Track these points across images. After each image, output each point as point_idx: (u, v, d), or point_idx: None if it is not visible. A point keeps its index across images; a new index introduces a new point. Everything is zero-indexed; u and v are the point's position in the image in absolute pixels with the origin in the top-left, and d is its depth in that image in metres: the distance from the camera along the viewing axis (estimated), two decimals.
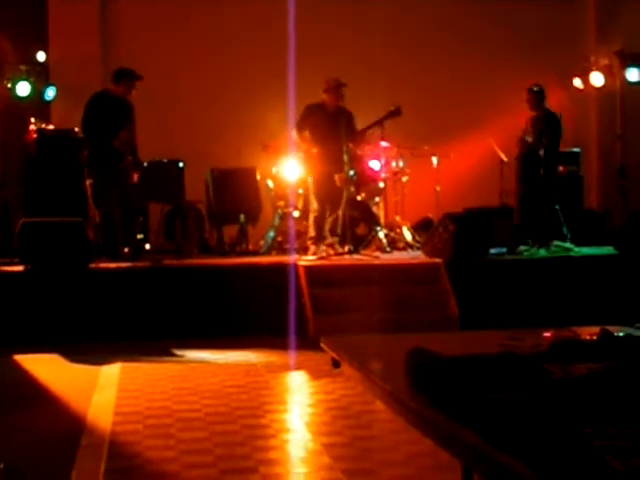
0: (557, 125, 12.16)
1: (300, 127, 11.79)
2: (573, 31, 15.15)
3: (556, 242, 11.96)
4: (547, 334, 3.67)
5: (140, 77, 11.36)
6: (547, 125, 12.06)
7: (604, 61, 14.73)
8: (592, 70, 14.71)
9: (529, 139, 12.05)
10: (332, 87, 11.77)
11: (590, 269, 11.06)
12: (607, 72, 14.68)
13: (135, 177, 11.40)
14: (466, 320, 10.00)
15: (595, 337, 3.26)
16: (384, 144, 12.31)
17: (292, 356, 9.08)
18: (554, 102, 13.60)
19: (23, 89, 13.11)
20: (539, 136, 12.01)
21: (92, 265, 10.56)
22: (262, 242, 12.59)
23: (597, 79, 14.69)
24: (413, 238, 12.51)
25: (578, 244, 12.05)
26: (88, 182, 11.29)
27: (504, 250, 11.65)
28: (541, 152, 11.91)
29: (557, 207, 12.10)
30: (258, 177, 12.97)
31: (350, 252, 11.50)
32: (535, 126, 12.09)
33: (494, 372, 2.66)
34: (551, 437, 2.15)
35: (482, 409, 2.40)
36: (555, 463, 2.01)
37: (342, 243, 11.64)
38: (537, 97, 12.15)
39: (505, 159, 12.54)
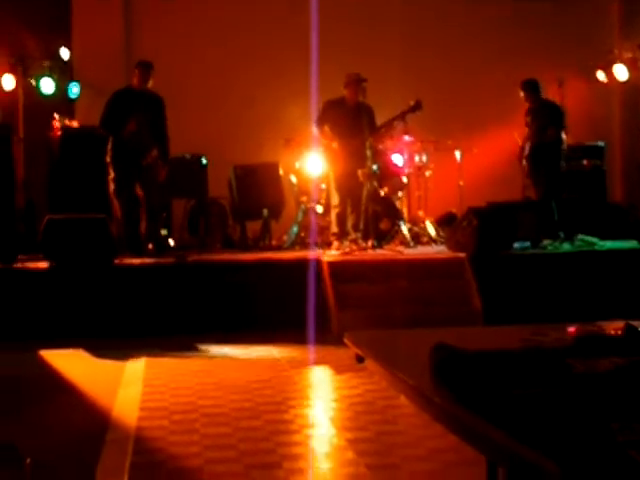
0: (561, 115, 12.09)
1: (320, 122, 11.80)
2: (597, 24, 15.07)
3: (580, 236, 11.92)
4: (571, 329, 3.66)
5: (149, 65, 11.36)
6: (550, 117, 12.00)
7: (628, 54, 14.64)
8: (616, 63, 14.63)
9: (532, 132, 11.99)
10: (352, 82, 11.78)
11: (614, 263, 11.02)
12: (631, 65, 14.59)
13: (162, 173, 11.42)
14: (490, 315, 9.98)
15: (620, 332, 3.25)
16: (407, 138, 12.30)
17: (315, 351, 9.08)
18: (577, 95, 13.58)
19: (47, 86, 13.17)
20: (542, 128, 11.95)
21: (116, 261, 10.61)
22: (285, 237, 12.60)
23: (621, 72, 14.61)
24: (437, 233, 12.49)
25: (602, 238, 12.00)
26: (110, 177, 11.34)
27: (528, 244, 11.61)
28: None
29: (553, 204, 12.00)
30: (281, 172, 12.98)
31: (373, 247, 11.50)
32: (535, 118, 12.02)
33: (518, 367, 2.65)
34: (576, 432, 2.14)
35: (506, 404, 2.40)
36: (580, 458, 2.01)
37: (365, 238, 11.64)
38: (530, 89, 12.07)
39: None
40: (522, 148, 12.19)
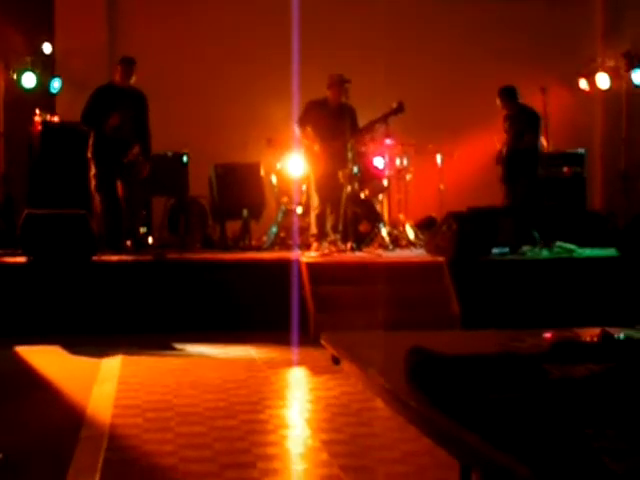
0: (537, 121, 12.14)
1: (302, 123, 11.80)
2: (580, 32, 15.12)
3: (559, 243, 11.96)
4: (548, 335, 3.67)
5: (132, 61, 11.34)
6: (527, 123, 12.05)
7: (610, 62, 14.69)
8: (598, 71, 14.68)
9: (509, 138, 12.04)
10: (335, 83, 11.78)
11: (592, 270, 11.05)
12: (613, 74, 14.65)
13: (144, 171, 11.39)
14: (467, 319, 10.00)
15: (596, 338, 3.26)
16: (388, 142, 12.29)
17: (293, 352, 9.08)
18: (559, 103, 13.63)
19: (29, 80, 13.11)
20: (519, 135, 12.00)
21: (95, 258, 10.57)
22: (265, 238, 12.59)
23: (603, 81, 14.66)
24: (416, 236, 12.49)
25: (581, 245, 12.04)
26: (91, 173, 11.31)
27: (506, 250, 11.64)
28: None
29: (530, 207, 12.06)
30: (262, 172, 12.96)
31: (352, 249, 11.51)
32: (512, 124, 12.07)
33: (494, 372, 2.66)
34: (550, 437, 2.15)
35: (481, 408, 2.40)
36: (554, 463, 2.01)
37: (344, 240, 11.64)
38: (507, 96, 12.11)
39: None
40: (500, 153, 12.23)
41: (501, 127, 12.25)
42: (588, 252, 11.81)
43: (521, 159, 12.04)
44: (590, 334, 3.50)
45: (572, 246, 11.97)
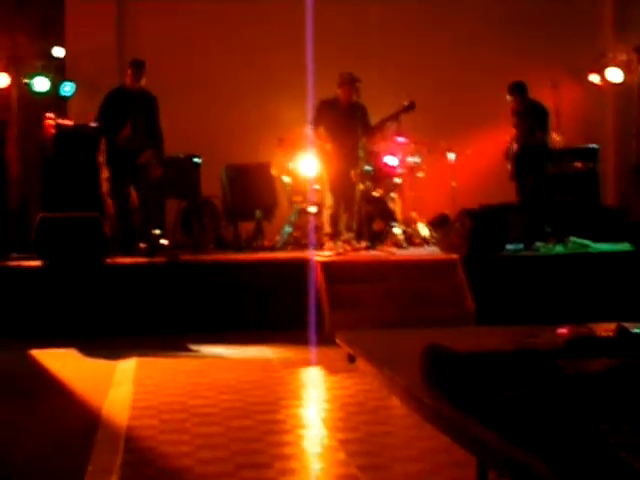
0: (545, 117, 12.11)
1: (315, 123, 11.80)
2: (591, 26, 15.07)
3: (573, 238, 11.93)
4: (563, 330, 3.66)
5: (142, 63, 11.35)
6: (537, 119, 12.02)
7: (622, 57, 14.64)
8: (610, 66, 14.63)
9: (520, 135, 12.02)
10: (346, 82, 11.77)
11: (607, 265, 11.03)
12: (625, 68, 14.60)
13: (157, 172, 11.41)
14: (482, 316, 9.98)
15: (611, 333, 3.25)
16: (400, 140, 12.29)
17: (308, 351, 9.08)
18: (571, 98, 13.59)
19: (40, 85, 13.16)
20: (530, 131, 11.98)
21: (108, 260, 10.59)
22: (278, 238, 12.59)
23: (615, 75, 14.61)
24: (429, 234, 12.49)
25: (595, 240, 12.01)
26: (104, 176, 11.33)
27: (521, 246, 11.62)
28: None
29: (539, 204, 12.04)
30: (274, 172, 12.96)
31: (367, 248, 11.51)
32: (522, 120, 12.05)
33: (509, 368, 2.65)
34: (567, 433, 2.14)
35: (497, 405, 2.40)
36: (571, 459, 2.01)
37: (358, 239, 11.65)
38: (517, 92, 12.09)
39: None
40: (509, 149, 12.20)
41: (511, 123, 12.23)
42: (602, 247, 11.78)
43: (531, 155, 12.02)
44: (605, 329, 3.49)
45: (586, 241, 11.94)
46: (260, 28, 14.10)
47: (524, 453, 2.11)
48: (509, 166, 12.24)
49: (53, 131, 12.50)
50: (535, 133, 11.97)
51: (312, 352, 9.05)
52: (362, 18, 14.33)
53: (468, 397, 2.55)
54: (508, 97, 12.13)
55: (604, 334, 3.36)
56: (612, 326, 3.40)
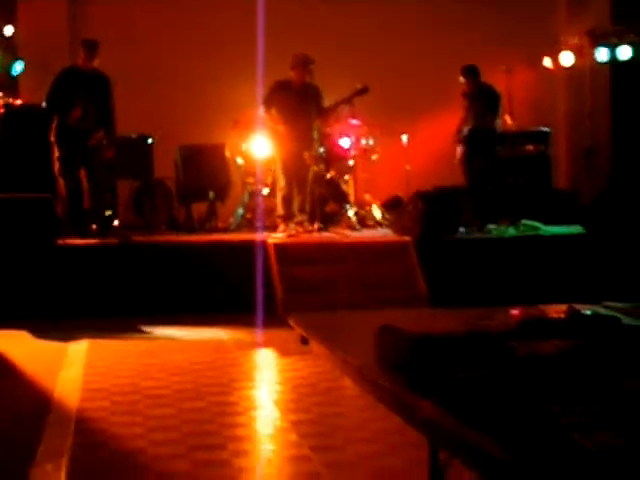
0: (497, 100, 12.18)
1: (267, 104, 11.75)
2: (544, 10, 15.14)
3: (524, 221, 12.02)
4: (515, 312, 3.68)
5: (94, 43, 11.23)
6: (488, 103, 12.09)
7: (574, 40, 14.75)
8: (562, 50, 14.73)
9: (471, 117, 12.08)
10: (299, 63, 11.72)
11: (558, 248, 11.12)
12: (577, 52, 14.70)
13: (108, 153, 11.32)
14: (435, 299, 10.03)
15: (563, 315, 3.27)
16: (354, 122, 12.30)
17: (260, 333, 9.08)
18: (524, 81, 13.66)
19: None
20: (480, 114, 12.04)
21: (60, 241, 10.50)
22: (231, 219, 12.56)
23: (567, 59, 14.71)
24: (382, 216, 12.52)
25: (546, 223, 12.10)
26: (55, 156, 11.22)
27: (472, 229, 11.69)
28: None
29: (489, 187, 12.12)
30: (227, 154, 12.91)
31: (319, 230, 11.52)
32: (473, 103, 12.11)
33: (462, 350, 2.66)
34: (519, 414, 2.15)
35: (450, 387, 2.40)
36: (523, 440, 2.01)
37: (311, 221, 11.65)
38: (470, 74, 12.16)
39: None
40: (458, 132, 12.25)
41: (461, 106, 12.29)
42: (554, 230, 11.87)
43: (481, 138, 12.09)
44: (557, 311, 3.51)
45: (538, 224, 12.03)
46: (214, 7, 14.04)
47: (476, 434, 2.11)
48: (458, 149, 12.30)
49: (2, 110, 12.35)
50: (486, 116, 12.04)
51: (260, 334, 9.05)
52: (317, 2, 14.29)
53: (421, 378, 2.55)
54: (461, 79, 12.18)
55: (555, 316, 3.38)
56: (563, 308, 3.42)
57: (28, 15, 13.59)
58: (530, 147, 13.72)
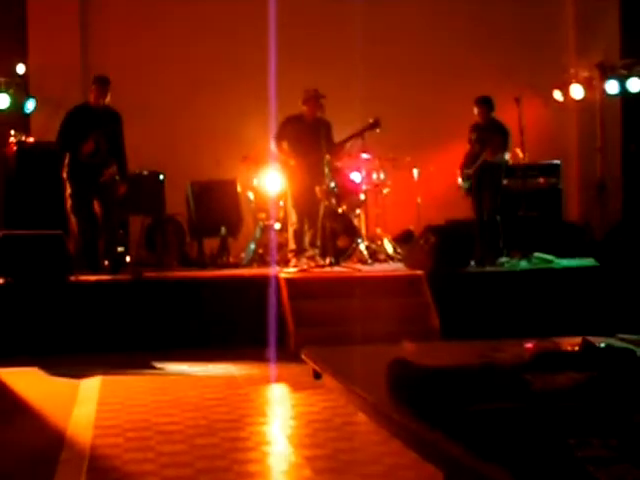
0: (507, 136, 12.18)
1: (278, 138, 11.81)
2: (553, 43, 15.21)
3: (537, 254, 11.99)
4: (529, 345, 3.67)
5: (106, 80, 11.29)
6: (501, 137, 12.08)
7: (584, 73, 14.79)
8: (572, 82, 14.76)
9: (482, 151, 12.07)
10: (311, 98, 11.79)
11: (571, 280, 11.08)
12: (587, 84, 14.74)
13: (121, 189, 11.35)
14: (448, 332, 9.99)
15: (577, 348, 3.25)
16: (365, 156, 12.32)
17: (273, 368, 9.05)
18: (534, 114, 13.67)
19: (2, 101, 13.08)
20: (492, 147, 12.02)
21: (72, 278, 10.52)
22: (243, 254, 12.56)
23: (577, 91, 14.74)
24: (394, 250, 12.51)
25: (559, 256, 12.07)
26: (67, 193, 11.26)
27: (484, 262, 11.66)
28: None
29: (498, 218, 12.10)
30: (239, 189, 12.94)
31: (331, 264, 11.50)
32: (484, 136, 12.11)
33: (475, 383, 2.64)
34: (534, 448, 2.14)
35: (463, 420, 2.39)
36: (539, 474, 2.00)
37: (323, 255, 11.64)
38: (485, 106, 12.18)
39: None
40: (466, 165, 12.22)
41: (467, 139, 12.31)
42: (566, 262, 11.85)
43: (489, 171, 12.08)
44: (571, 343, 3.49)
45: (550, 257, 12.00)
46: (225, 44, 14.12)
47: (492, 468, 2.10)
48: (462, 182, 12.27)
49: (15, 148, 12.41)
50: (495, 150, 12.02)
51: (272, 369, 9.03)
52: (327, 36, 14.38)
53: (435, 412, 2.54)
54: (475, 110, 12.17)
55: (570, 348, 3.37)
56: (577, 340, 3.40)
57: (40, 53, 13.69)
58: (541, 180, 13.73)
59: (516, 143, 12.31)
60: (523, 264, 11.70)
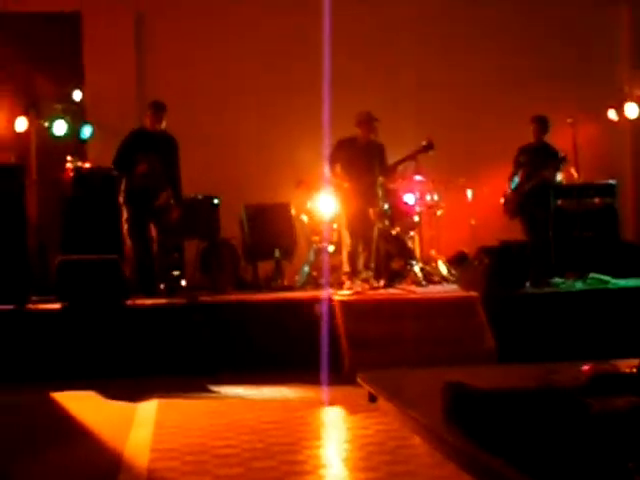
0: (557, 158, 12.13)
1: (332, 161, 11.84)
2: (607, 62, 15.11)
3: (592, 274, 11.89)
4: (586, 367, 3.64)
5: (162, 106, 11.41)
6: (549, 159, 12.06)
7: (638, 92, 14.67)
8: (627, 101, 14.65)
9: (543, 172, 12.02)
10: (364, 121, 11.82)
11: (628, 301, 10.96)
12: None
13: (175, 214, 11.44)
14: (504, 354, 9.92)
15: (634, 370, 3.23)
16: (418, 178, 12.31)
17: (328, 391, 9.04)
18: (588, 133, 13.59)
19: (60, 128, 13.23)
20: (548, 168, 12.00)
21: (128, 302, 10.60)
22: (297, 277, 12.59)
23: (632, 110, 14.63)
24: (449, 272, 12.46)
25: (615, 276, 11.96)
26: (123, 218, 11.38)
27: (540, 283, 11.59)
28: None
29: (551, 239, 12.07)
30: (293, 212, 12.99)
31: (385, 286, 11.48)
32: (537, 157, 12.08)
33: (533, 406, 2.63)
34: (593, 472, 2.12)
35: (521, 444, 2.37)
36: None
37: (377, 277, 11.63)
38: (544, 127, 12.16)
39: None
40: (519, 188, 12.19)
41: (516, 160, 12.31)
42: (623, 283, 11.73)
43: (542, 192, 12.04)
44: (628, 366, 3.46)
45: (606, 277, 11.89)
46: (279, 68, 14.21)
47: None
48: (506, 203, 12.25)
49: (72, 174, 12.56)
50: (544, 171, 12.00)
51: (327, 392, 9.01)
52: (379, 58, 14.41)
53: (492, 435, 2.53)
54: (533, 127, 12.17)
55: (627, 370, 3.34)
56: (635, 362, 3.37)
57: (96, 79, 13.85)
58: (597, 200, 13.62)
59: (571, 163, 12.24)
60: (579, 285, 11.60)
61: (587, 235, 12.88)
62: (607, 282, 11.76)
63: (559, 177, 12.24)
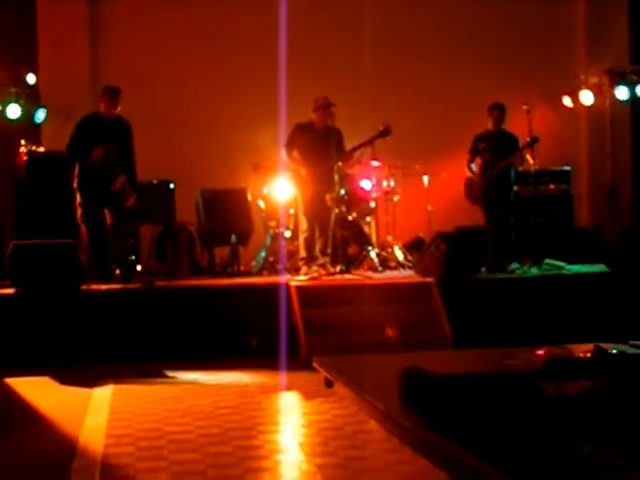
0: (517, 144, 12.20)
1: (289, 147, 11.81)
2: (563, 50, 15.21)
3: (548, 260, 11.97)
4: (541, 352, 3.66)
5: (116, 90, 11.33)
6: (513, 144, 12.12)
7: (594, 79, 14.78)
8: (582, 88, 14.76)
9: (510, 158, 12.07)
10: (321, 106, 11.80)
11: (582, 287, 11.06)
12: (597, 90, 14.74)
13: (131, 200, 11.36)
14: (459, 340, 9.98)
15: (589, 354, 3.25)
16: (375, 164, 12.31)
17: (284, 376, 9.05)
18: (544, 120, 13.67)
19: (13, 111, 13.11)
20: (510, 155, 12.05)
21: (84, 287, 10.54)
22: (254, 263, 12.56)
23: (587, 97, 14.74)
24: (405, 257, 12.49)
25: (570, 262, 12.05)
26: (77, 202, 11.29)
27: (494, 268, 11.65)
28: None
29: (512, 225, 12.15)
30: (249, 197, 12.95)
31: (342, 272, 11.49)
32: (497, 144, 12.13)
33: (488, 390, 2.64)
34: (547, 455, 2.13)
35: (477, 428, 2.38)
36: None
37: (334, 263, 11.63)
38: (504, 114, 12.21)
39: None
40: (479, 175, 12.22)
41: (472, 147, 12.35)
42: (577, 269, 11.83)
43: (503, 178, 12.10)
44: (583, 350, 3.49)
45: (561, 263, 11.98)
46: (235, 52, 14.15)
47: (505, 475, 2.09)
48: (468, 189, 12.29)
49: (25, 158, 12.44)
50: (512, 157, 12.04)
51: (284, 377, 9.02)
52: (337, 44, 14.39)
53: (448, 420, 2.53)
54: (491, 115, 12.19)
55: (582, 355, 3.36)
56: (589, 347, 3.40)
57: (50, 63, 13.72)
58: (552, 186, 13.72)
59: (527, 150, 12.30)
60: (534, 271, 11.68)
61: (542, 221, 12.96)
62: (562, 268, 11.85)
63: (530, 159, 12.29)
